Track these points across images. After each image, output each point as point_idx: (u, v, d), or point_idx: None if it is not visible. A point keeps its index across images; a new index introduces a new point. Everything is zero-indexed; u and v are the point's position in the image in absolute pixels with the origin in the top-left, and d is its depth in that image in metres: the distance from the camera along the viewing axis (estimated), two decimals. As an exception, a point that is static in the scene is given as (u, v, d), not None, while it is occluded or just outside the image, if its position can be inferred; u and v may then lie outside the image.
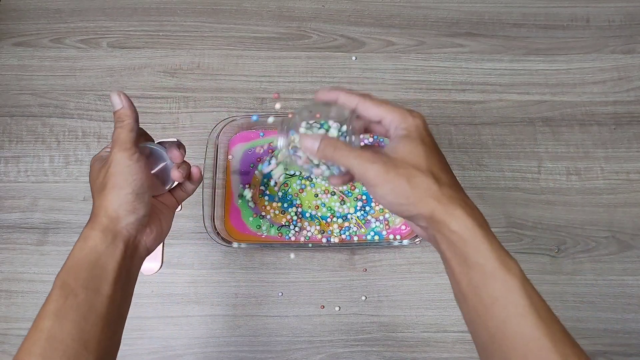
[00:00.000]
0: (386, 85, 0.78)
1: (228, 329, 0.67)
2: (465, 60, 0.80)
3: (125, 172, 0.42)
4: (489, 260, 0.37)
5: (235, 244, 0.66)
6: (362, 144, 0.47)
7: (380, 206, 0.70)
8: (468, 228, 0.38)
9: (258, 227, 0.69)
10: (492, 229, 0.73)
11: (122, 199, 0.42)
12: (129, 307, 0.43)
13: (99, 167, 0.44)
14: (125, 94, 0.45)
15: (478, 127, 0.76)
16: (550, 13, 0.83)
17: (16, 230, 0.71)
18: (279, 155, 0.47)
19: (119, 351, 0.42)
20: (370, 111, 0.42)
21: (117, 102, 0.45)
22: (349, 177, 0.45)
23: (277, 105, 0.69)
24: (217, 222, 0.66)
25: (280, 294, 0.69)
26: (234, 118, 0.70)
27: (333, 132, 0.43)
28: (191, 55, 0.79)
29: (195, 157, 0.74)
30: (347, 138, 0.43)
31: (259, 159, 0.72)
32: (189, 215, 0.71)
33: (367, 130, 0.45)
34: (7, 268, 0.69)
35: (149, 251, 0.46)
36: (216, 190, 0.67)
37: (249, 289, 0.69)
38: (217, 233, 0.65)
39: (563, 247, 0.71)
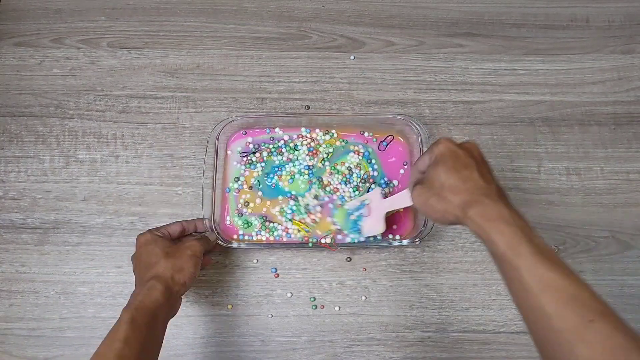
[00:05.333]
0: (386, 85, 0.78)
1: (228, 329, 0.67)
2: (465, 61, 0.80)
3: (195, 272, 0.59)
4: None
5: (235, 244, 0.66)
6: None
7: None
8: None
9: (247, 224, 0.69)
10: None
11: (191, 281, 0.58)
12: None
13: (161, 248, 0.59)
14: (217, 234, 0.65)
15: (478, 127, 0.76)
16: (550, 13, 0.83)
17: (16, 230, 0.71)
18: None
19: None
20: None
21: (213, 238, 0.64)
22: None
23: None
24: (216, 222, 0.66)
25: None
26: (233, 118, 0.71)
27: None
28: (191, 55, 0.79)
29: (195, 157, 0.74)
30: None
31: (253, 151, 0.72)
32: (188, 215, 0.71)
33: None
34: (7, 268, 0.69)
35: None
36: (216, 190, 0.67)
37: (249, 289, 0.69)
38: (217, 233, 0.65)
39: (563, 247, 0.71)
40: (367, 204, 0.65)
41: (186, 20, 0.82)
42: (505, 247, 0.42)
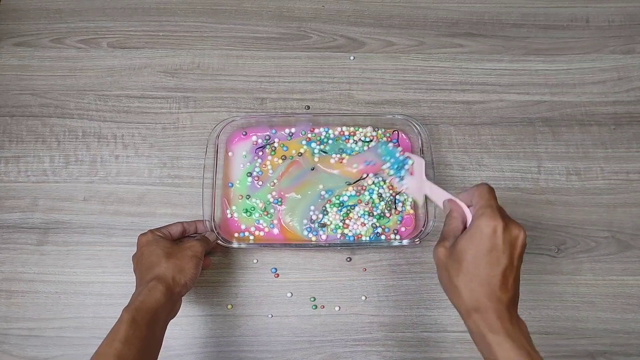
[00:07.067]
0: (386, 85, 0.78)
1: (228, 329, 0.67)
2: (465, 61, 0.80)
3: (196, 273, 0.59)
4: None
5: (235, 244, 0.66)
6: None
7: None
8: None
9: (247, 212, 0.69)
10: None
11: (192, 282, 0.58)
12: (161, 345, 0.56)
13: (163, 249, 0.59)
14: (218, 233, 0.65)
15: (478, 127, 0.76)
16: (550, 13, 0.83)
17: (16, 230, 0.71)
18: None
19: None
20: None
21: (213, 238, 0.65)
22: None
23: None
24: (216, 223, 0.67)
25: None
26: (233, 118, 0.71)
27: None
28: (191, 56, 0.79)
29: (195, 157, 0.74)
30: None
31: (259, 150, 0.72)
32: (188, 216, 0.71)
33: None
34: (7, 268, 0.69)
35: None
36: (216, 190, 0.67)
37: (249, 289, 0.69)
38: (218, 233, 0.65)
39: (563, 247, 0.71)
40: (411, 165, 0.62)
41: (186, 20, 0.82)
42: None
